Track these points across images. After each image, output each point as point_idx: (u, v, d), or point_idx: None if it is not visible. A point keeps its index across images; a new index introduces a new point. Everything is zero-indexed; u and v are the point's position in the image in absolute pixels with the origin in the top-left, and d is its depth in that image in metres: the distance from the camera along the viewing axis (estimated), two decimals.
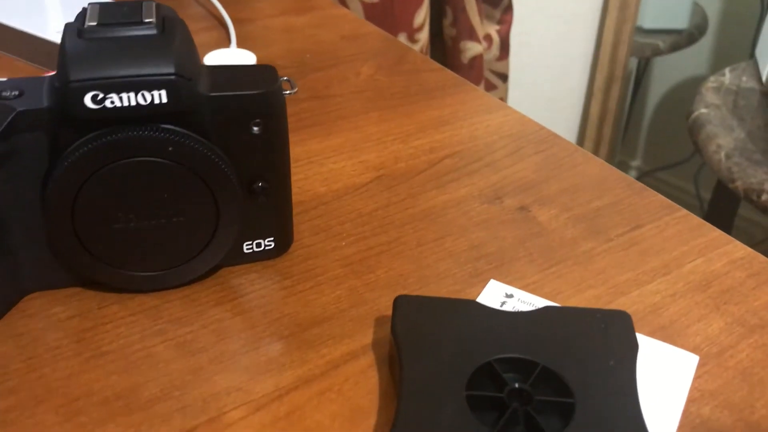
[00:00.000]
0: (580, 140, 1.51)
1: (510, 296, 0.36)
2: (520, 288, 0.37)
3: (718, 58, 1.65)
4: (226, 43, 0.60)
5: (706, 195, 1.51)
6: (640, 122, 1.80)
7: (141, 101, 0.30)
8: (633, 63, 1.66)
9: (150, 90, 0.30)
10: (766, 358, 0.34)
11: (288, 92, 0.35)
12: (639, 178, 1.80)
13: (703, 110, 1.12)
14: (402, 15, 0.92)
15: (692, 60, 1.66)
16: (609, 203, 0.43)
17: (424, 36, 0.96)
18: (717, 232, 0.41)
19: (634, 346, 0.30)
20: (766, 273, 0.39)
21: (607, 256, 0.39)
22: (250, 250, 0.37)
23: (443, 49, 1.03)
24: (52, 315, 0.34)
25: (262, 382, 0.31)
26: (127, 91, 0.30)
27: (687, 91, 1.63)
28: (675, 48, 1.55)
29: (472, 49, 0.99)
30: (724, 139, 1.05)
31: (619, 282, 0.38)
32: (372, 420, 0.30)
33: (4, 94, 0.31)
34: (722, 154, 1.03)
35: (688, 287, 0.37)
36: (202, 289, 0.36)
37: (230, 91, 0.33)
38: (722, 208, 1.30)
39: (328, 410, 0.30)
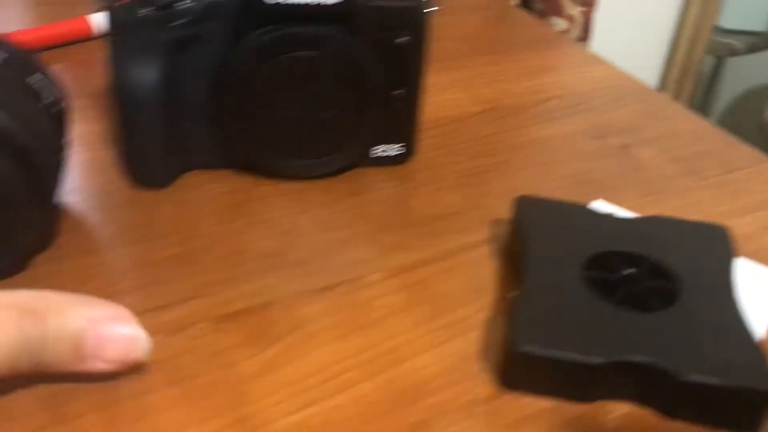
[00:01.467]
0: None
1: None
2: (623, 209, 0.40)
3: None
4: None
5: None
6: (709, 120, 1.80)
7: None
8: (710, 61, 1.66)
9: None
10: None
11: (433, 9, 0.39)
12: None
13: None
14: None
15: (766, 64, 1.66)
16: (705, 150, 0.46)
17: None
18: None
19: (731, 252, 0.34)
20: None
21: (703, 191, 0.43)
22: (380, 154, 0.41)
23: None
24: (211, 189, 0.39)
25: (394, 256, 0.36)
26: None
27: (759, 95, 1.63)
28: (752, 50, 1.55)
29: (558, 24, 1.02)
30: None
31: (714, 213, 0.41)
32: (492, 295, 0.34)
33: None
34: None
35: None
36: (337, 182, 0.41)
37: (385, 1, 0.37)
38: None
39: (453, 283, 0.35)
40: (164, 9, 0.34)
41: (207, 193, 0.39)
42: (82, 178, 0.39)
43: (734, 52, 1.57)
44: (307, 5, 0.34)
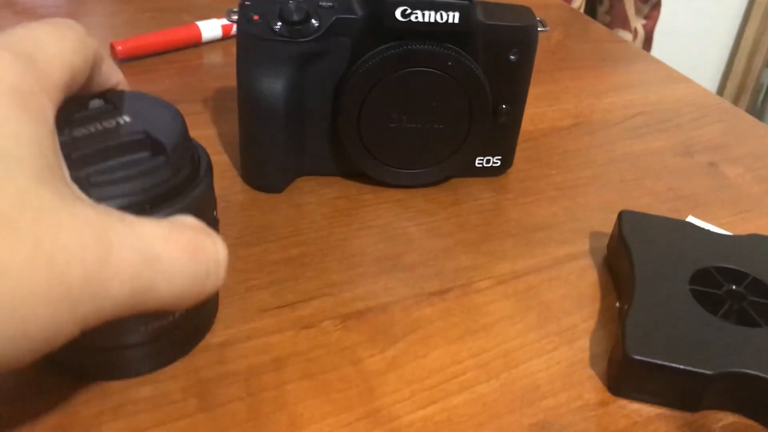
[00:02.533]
0: None
1: None
2: (715, 227, 0.42)
3: None
4: None
5: None
6: None
7: (438, 19, 0.36)
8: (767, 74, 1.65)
9: (448, 10, 0.36)
10: None
11: (542, 29, 0.41)
12: None
13: None
14: None
15: None
16: None
17: None
18: None
19: None
20: None
21: None
22: (480, 165, 0.43)
23: None
24: (322, 194, 0.41)
25: (500, 264, 0.38)
26: (430, 9, 0.36)
27: None
28: None
29: (624, 37, 1.02)
30: None
31: None
32: (597, 305, 0.36)
33: (321, 3, 0.38)
34: None
35: None
36: (438, 191, 0.43)
37: (500, 21, 0.39)
38: None
39: (558, 292, 0.36)
40: (297, 25, 0.37)
41: (318, 198, 0.41)
42: None
43: None
44: (428, 23, 0.36)
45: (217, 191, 0.30)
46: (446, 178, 0.43)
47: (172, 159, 0.25)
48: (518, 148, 0.47)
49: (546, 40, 0.61)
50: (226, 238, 0.24)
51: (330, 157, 0.42)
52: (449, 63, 0.38)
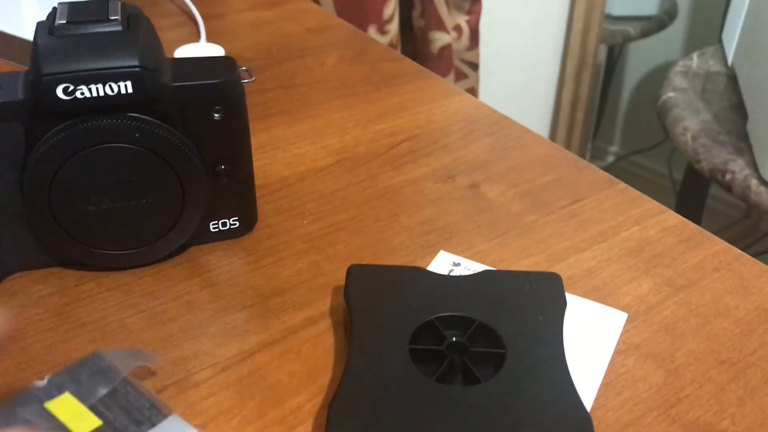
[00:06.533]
0: (554, 127, 1.55)
1: (457, 264, 0.39)
2: (467, 257, 0.40)
3: (688, 43, 1.69)
4: (196, 38, 0.62)
5: (679, 177, 1.55)
6: (615, 108, 1.84)
7: (108, 91, 0.33)
8: (604, 50, 1.70)
9: (116, 81, 0.33)
10: (688, 313, 0.37)
11: (246, 81, 0.38)
12: (615, 163, 1.85)
13: (671, 94, 1.16)
14: (372, 7, 0.95)
15: (663, 46, 1.70)
16: (553, 179, 0.46)
17: (393, 27, 0.99)
18: (652, 203, 0.45)
19: (562, 303, 0.34)
20: (695, 239, 0.42)
21: (549, 227, 0.42)
22: (216, 229, 0.40)
23: (414, 40, 1.06)
24: (33, 292, 0.37)
25: (227, 346, 0.34)
26: (95, 83, 0.32)
27: (659, 77, 1.67)
28: (645, 34, 1.59)
29: (440, 39, 1.02)
30: (690, 121, 1.08)
31: (558, 250, 0.41)
32: (328, 376, 0.33)
33: None
34: (688, 136, 1.06)
35: (622, 253, 0.41)
36: (172, 266, 0.39)
37: (191, 80, 0.36)
38: (693, 189, 1.34)
39: (288, 369, 0.33)
40: None
41: (27, 298, 0.37)
42: None
43: (629, 38, 1.60)
44: (98, 98, 0.33)
45: None
46: (181, 249, 0.39)
47: None
48: (270, 198, 0.44)
49: (318, 68, 0.59)
50: None
51: (39, 250, 0.37)
52: (137, 134, 0.34)
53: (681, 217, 0.44)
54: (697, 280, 0.39)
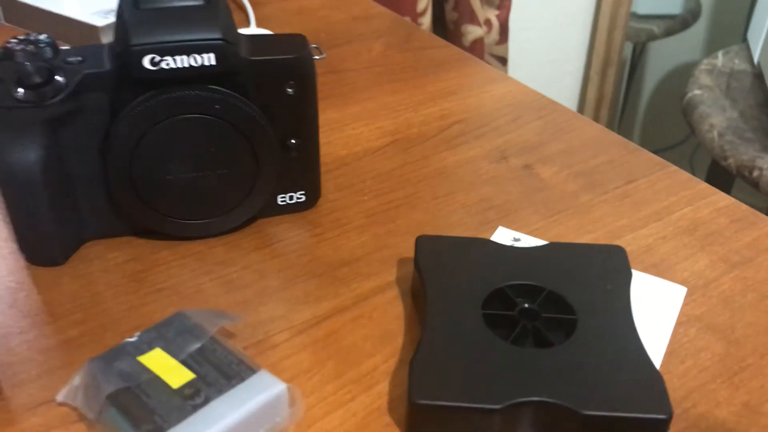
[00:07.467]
0: None
1: (517, 240, 0.40)
2: (526, 234, 0.41)
3: (711, 42, 1.69)
4: (245, 23, 0.64)
5: (701, 176, 1.55)
6: (637, 106, 1.85)
7: (193, 63, 0.34)
8: (628, 48, 1.70)
9: (200, 53, 0.34)
10: (745, 288, 0.38)
11: (317, 57, 0.39)
12: None
13: (697, 92, 1.16)
14: (405, 0, 0.96)
15: (687, 44, 1.70)
16: (605, 161, 0.47)
17: (426, 20, 1.00)
18: (703, 185, 0.46)
19: (628, 274, 0.35)
20: (747, 219, 0.43)
21: (604, 206, 0.43)
22: (284, 203, 0.41)
23: (445, 33, 1.07)
24: (110, 259, 0.38)
25: (301, 311, 0.36)
26: (181, 54, 0.34)
27: (682, 75, 1.67)
28: (669, 33, 1.59)
29: (473, 32, 1.03)
30: (716, 118, 1.09)
31: (614, 228, 0.42)
32: (399, 340, 0.34)
33: (68, 59, 0.35)
34: (715, 133, 1.07)
35: (677, 231, 0.42)
36: (242, 237, 0.40)
37: (268, 55, 0.37)
38: (716, 187, 1.35)
39: (361, 333, 0.35)
40: (39, 87, 0.34)
41: (105, 264, 0.38)
42: None
43: (653, 37, 1.60)
44: (183, 69, 0.34)
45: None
46: (249, 221, 0.41)
47: None
48: (330, 176, 0.45)
49: (366, 54, 0.60)
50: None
51: (115, 218, 0.39)
52: (216, 106, 0.35)
53: (733, 198, 0.44)
54: (752, 258, 0.40)
